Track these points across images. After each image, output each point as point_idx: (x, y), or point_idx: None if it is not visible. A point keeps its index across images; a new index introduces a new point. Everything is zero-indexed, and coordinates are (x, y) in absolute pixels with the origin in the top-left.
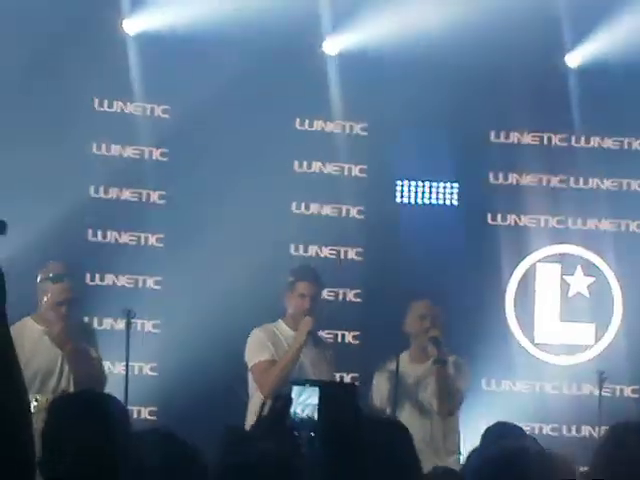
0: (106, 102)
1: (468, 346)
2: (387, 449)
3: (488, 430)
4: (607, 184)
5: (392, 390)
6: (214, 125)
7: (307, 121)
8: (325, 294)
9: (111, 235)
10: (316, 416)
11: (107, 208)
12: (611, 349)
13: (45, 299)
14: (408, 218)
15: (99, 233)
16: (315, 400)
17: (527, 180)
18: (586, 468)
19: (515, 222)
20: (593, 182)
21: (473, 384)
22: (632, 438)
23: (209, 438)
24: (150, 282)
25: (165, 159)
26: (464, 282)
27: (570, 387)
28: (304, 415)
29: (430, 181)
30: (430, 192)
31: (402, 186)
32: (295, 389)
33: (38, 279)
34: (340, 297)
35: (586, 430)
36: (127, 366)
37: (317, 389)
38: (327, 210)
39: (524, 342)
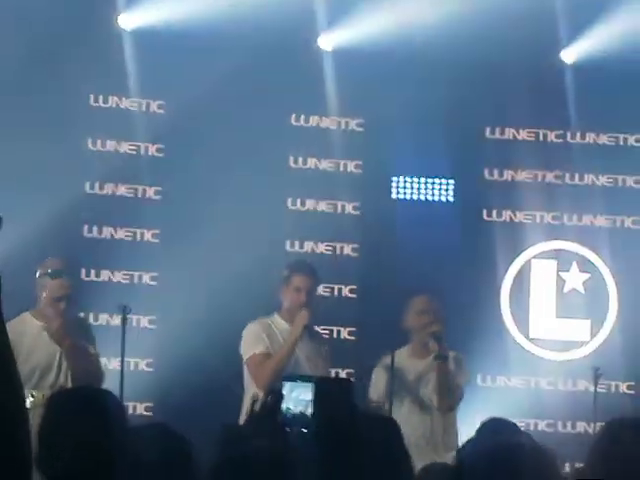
0: (101, 98)
1: (463, 342)
2: (378, 445)
3: (482, 426)
4: (602, 180)
5: (389, 386)
6: (209, 121)
7: (302, 117)
8: (321, 290)
9: (107, 231)
10: (309, 412)
11: (103, 204)
12: (606, 345)
13: (44, 295)
14: (404, 214)
15: (95, 229)
16: (307, 396)
17: (522, 176)
18: (581, 464)
19: (510, 218)
20: (588, 178)
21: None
22: (627, 434)
23: (205, 434)
24: (146, 278)
25: (161, 155)
26: (459, 278)
27: (565, 383)
28: (296, 411)
29: (426, 177)
30: (426, 188)
31: (398, 182)
32: (287, 385)
33: (37, 275)
34: (336, 293)
35: (581, 426)
36: (123, 362)
37: (309, 385)
38: (323, 206)
39: (519, 338)
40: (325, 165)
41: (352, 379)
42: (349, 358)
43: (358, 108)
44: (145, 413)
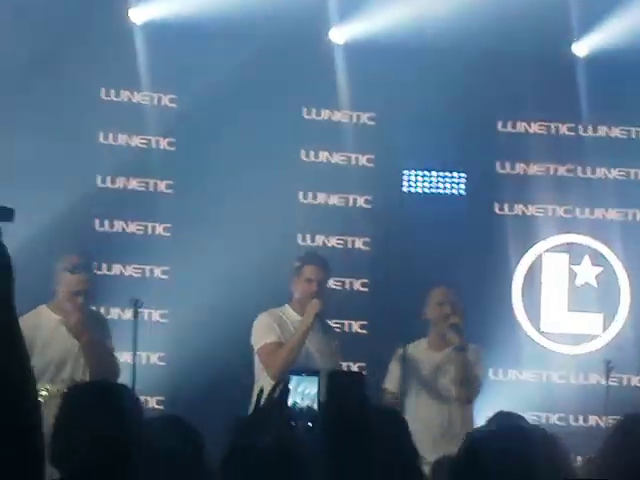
0: (113, 91)
1: (475, 336)
2: (386, 439)
3: (491, 421)
4: (614, 173)
5: (402, 377)
6: (221, 114)
7: (314, 110)
8: (332, 283)
9: (118, 225)
10: (315, 406)
11: (114, 198)
12: (618, 339)
13: (62, 289)
14: (415, 208)
15: (106, 223)
16: (313, 390)
17: (534, 170)
18: (594, 456)
19: (522, 212)
20: (600, 171)
21: None
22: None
23: (217, 428)
24: (157, 272)
25: (172, 148)
26: (471, 272)
27: (577, 377)
28: (302, 405)
29: (437, 171)
30: (437, 182)
31: (409, 175)
32: (294, 379)
33: (56, 270)
34: (347, 286)
35: (593, 420)
36: (134, 356)
37: (315, 379)
38: (334, 200)
39: (531, 332)
40: (337, 159)
41: (364, 372)
42: (361, 352)
43: (370, 102)
44: (157, 407)
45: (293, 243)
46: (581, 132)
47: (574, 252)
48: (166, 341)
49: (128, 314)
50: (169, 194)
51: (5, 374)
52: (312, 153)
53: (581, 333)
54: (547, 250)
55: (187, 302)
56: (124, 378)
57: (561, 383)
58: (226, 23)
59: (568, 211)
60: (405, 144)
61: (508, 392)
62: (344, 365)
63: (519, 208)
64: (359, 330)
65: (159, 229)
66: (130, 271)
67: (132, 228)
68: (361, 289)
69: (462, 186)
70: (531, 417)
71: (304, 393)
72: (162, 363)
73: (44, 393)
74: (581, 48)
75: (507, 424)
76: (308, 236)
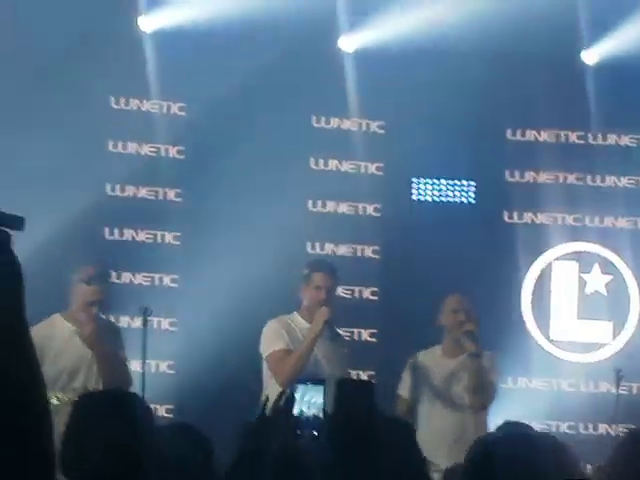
0: (122, 100)
1: (485, 343)
2: (393, 449)
3: (499, 429)
4: (624, 182)
5: (415, 384)
6: (230, 122)
7: (323, 118)
8: (342, 292)
9: (128, 233)
10: (320, 415)
11: (124, 206)
12: (628, 347)
13: (77, 300)
14: (424, 216)
15: (116, 231)
16: (319, 399)
17: (544, 178)
18: (604, 464)
19: (532, 220)
20: (610, 180)
21: None
22: None
23: (226, 433)
24: (167, 280)
25: (181, 157)
26: (481, 280)
27: (587, 385)
28: (308, 414)
29: (447, 179)
30: (447, 190)
31: (419, 184)
32: (300, 388)
33: (72, 280)
34: (357, 295)
35: (603, 428)
36: (144, 364)
37: (321, 388)
38: (343, 208)
39: (541, 340)
40: (346, 167)
41: (373, 381)
42: (370, 360)
43: (379, 110)
44: (166, 415)
45: (302, 251)
46: (591, 140)
47: (584, 260)
48: (175, 349)
49: (137, 322)
50: (178, 202)
51: (15, 379)
52: (321, 161)
53: (591, 341)
54: (557, 258)
55: (196, 310)
56: (133, 386)
57: (571, 391)
58: (235, 32)
59: (578, 219)
60: (414, 152)
61: (518, 400)
62: (353, 373)
63: (528, 216)
64: (369, 338)
65: (168, 237)
66: (139, 279)
67: (141, 236)
68: (370, 297)
69: (471, 194)
70: (541, 425)
71: (310, 402)
72: (171, 371)
73: (55, 402)
74: (591, 56)
75: (514, 431)
76: (317, 244)
